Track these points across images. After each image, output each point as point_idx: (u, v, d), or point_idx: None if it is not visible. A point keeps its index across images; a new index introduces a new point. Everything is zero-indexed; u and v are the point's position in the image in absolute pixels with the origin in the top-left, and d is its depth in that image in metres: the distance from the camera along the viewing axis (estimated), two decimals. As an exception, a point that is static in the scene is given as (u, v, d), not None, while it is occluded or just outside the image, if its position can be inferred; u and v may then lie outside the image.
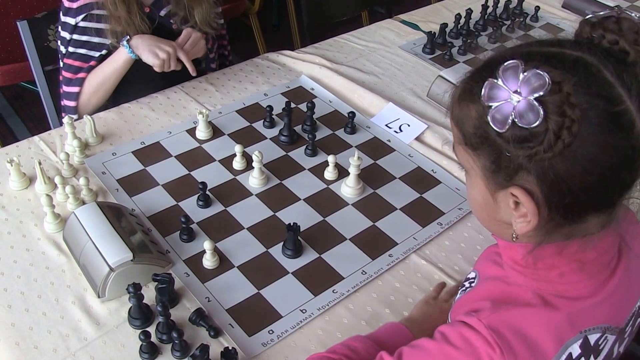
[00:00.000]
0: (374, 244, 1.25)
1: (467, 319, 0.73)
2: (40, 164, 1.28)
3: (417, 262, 1.22)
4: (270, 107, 1.53)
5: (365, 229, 1.28)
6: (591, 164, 0.63)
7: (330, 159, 1.38)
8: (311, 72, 1.77)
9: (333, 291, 1.14)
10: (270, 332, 1.07)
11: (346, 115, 1.56)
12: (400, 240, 1.26)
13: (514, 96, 0.63)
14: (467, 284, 0.87)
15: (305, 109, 1.54)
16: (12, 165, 1.27)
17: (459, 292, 0.88)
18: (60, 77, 1.64)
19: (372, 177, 1.41)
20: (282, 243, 1.22)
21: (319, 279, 1.17)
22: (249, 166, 1.40)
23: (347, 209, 1.33)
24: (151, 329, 1.04)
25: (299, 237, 1.21)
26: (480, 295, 0.81)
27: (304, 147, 1.48)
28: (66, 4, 1.53)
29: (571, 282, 0.74)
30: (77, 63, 1.58)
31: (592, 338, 0.74)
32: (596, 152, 0.63)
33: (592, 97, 0.62)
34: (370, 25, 2.11)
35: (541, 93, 0.61)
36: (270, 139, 1.51)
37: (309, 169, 1.43)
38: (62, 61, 1.61)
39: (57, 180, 1.26)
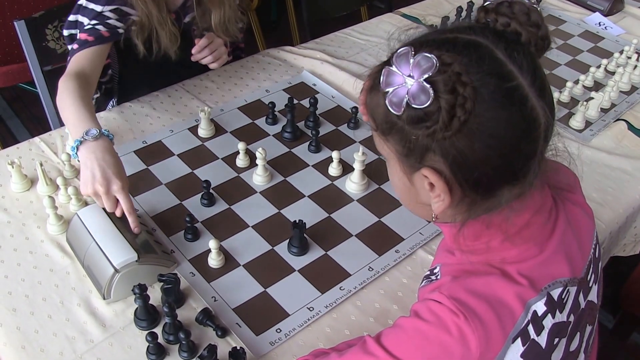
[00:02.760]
0: (380, 239, 1.24)
1: (431, 295, 0.76)
2: (41, 165, 1.27)
3: (424, 258, 1.21)
4: (273, 104, 1.52)
5: (371, 225, 1.27)
6: (490, 138, 0.67)
7: (335, 154, 1.37)
8: (313, 68, 1.76)
9: (340, 288, 1.14)
10: (278, 330, 1.06)
11: (349, 110, 1.55)
12: (406, 235, 1.25)
13: (408, 80, 0.66)
14: (433, 277, 0.88)
15: (307, 105, 1.53)
16: (13, 167, 1.26)
17: (424, 281, 0.90)
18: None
19: (376, 172, 1.40)
20: (287, 240, 1.21)
21: (325, 276, 1.16)
22: (252, 163, 1.39)
23: (352, 205, 1.32)
24: (158, 330, 1.03)
25: (305, 234, 1.20)
26: (442, 276, 0.84)
27: (308, 143, 1.47)
28: None
29: (514, 245, 0.77)
30: (90, 38, 1.43)
31: (555, 293, 0.77)
32: (493, 126, 0.66)
33: (483, 75, 0.65)
34: (371, 20, 2.10)
35: (430, 74, 0.65)
36: (273, 135, 1.50)
37: (313, 165, 1.42)
38: (72, 46, 1.47)
39: (59, 181, 1.25)
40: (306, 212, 1.29)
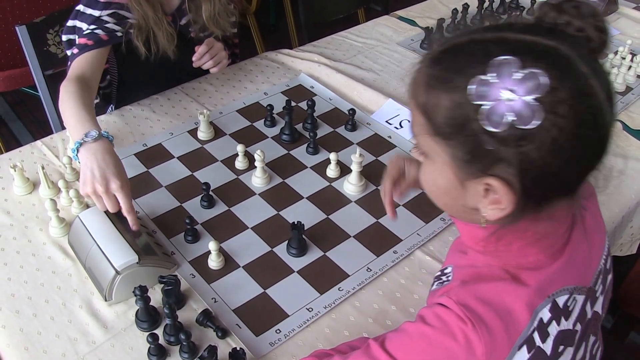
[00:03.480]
0: (378, 240, 1.25)
1: (439, 299, 0.75)
2: (43, 168, 1.28)
3: (422, 258, 1.22)
4: (271, 106, 1.54)
5: (369, 226, 1.28)
6: (571, 157, 0.65)
7: (332, 156, 1.38)
8: (310, 70, 1.78)
9: (339, 289, 1.15)
10: (278, 331, 1.07)
11: (346, 112, 1.57)
12: (404, 236, 1.26)
13: (507, 94, 0.61)
14: (444, 278, 0.88)
15: (305, 107, 1.54)
16: (15, 170, 1.28)
17: (435, 284, 0.90)
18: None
19: (374, 173, 1.41)
20: (286, 242, 1.22)
21: (324, 277, 1.17)
22: (251, 166, 1.41)
23: (350, 206, 1.33)
24: (159, 331, 1.04)
25: (304, 236, 1.21)
26: (453, 280, 0.83)
27: (306, 145, 1.48)
28: None
29: (531, 253, 0.76)
30: (90, 42, 1.44)
31: (560, 300, 0.76)
32: (575, 144, 0.64)
33: (572, 91, 0.62)
34: (368, 22, 2.11)
35: (539, 95, 0.60)
36: (271, 137, 1.52)
37: (311, 167, 1.43)
38: (72, 50, 1.48)
39: (60, 184, 1.26)
40: (305, 213, 1.30)
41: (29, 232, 1.23)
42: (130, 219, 1.15)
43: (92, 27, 1.45)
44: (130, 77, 1.68)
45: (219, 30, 1.63)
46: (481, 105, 0.63)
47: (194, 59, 1.56)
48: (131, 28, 1.48)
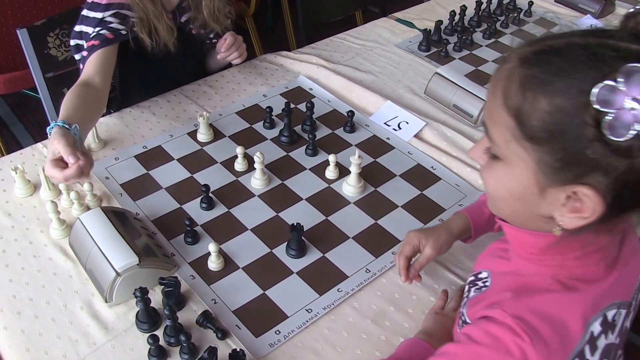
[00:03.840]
0: (377, 241, 1.26)
1: (489, 312, 0.73)
2: (44, 170, 1.29)
3: (420, 259, 1.23)
4: (270, 108, 1.55)
5: (368, 227, 1.29)
6: None
7: (331, 158, 1.39)
8: (309, 73, 1.79)
9: (338, 290, 1.16)
10: (277, 332, 1.08)
11: (345, 114, 1.58)
12: (402, 237, 1.26)
13: (630, 103, 0.59)
14: (480, 283, 0.87)
15: (304, 109, 1.55)
16: (16, 172, 1.29)
17: (472, 290, 0.88)
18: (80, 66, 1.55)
19: (372, 175, 1.42)
20: (285, 243, 1.23)
21: (323, 278, 1.18)
22: (250, 167, 1.41)
23: (349, 208, 1.34)
24: (159, 332, 1.05)
25: (303, 237, 1.22)
26: (497, 289, 0.81)
27: (305, 147, 1.49)
28: None
29: (587, 264, 0.75)
30: (97, 42, 1.47)
31: (610, 314, 0.76)
32: None
33: None
34: (366, 24, 2.12)
35: None
36: (270, 139, 1.52)
37: (310, 169, 1.44)
38: (81, 54, 1.52)
39: (61, 186, 1.27)
40: (304, 215, 1.31)
41: (30, 234, 1.23)
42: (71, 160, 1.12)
43: (97, 28, 1.48)
44: (130, 83, 1.70)
45: (218, 26, 1.66)
46: (600, 111, 0.60)
47: (222, 49, 1.63)
48: (134, 26, 1.51)
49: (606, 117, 0.60)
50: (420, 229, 1.14)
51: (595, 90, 0.60)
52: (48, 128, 1.20)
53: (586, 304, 0.73)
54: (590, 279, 0.75)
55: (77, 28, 1.53)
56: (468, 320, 0.84)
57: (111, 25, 1.49)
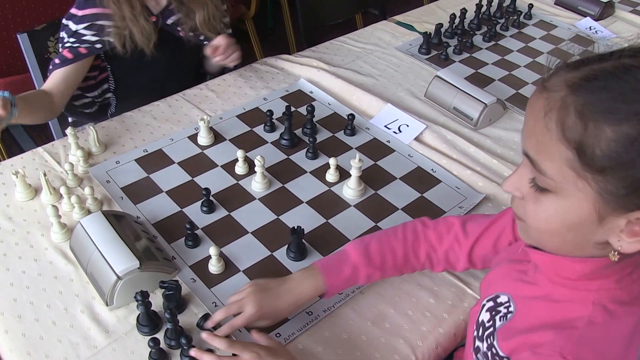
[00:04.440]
0: (377, 244, 1.26)
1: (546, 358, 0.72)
2: (45, 175, 1.29)
3: (420, 262, 1.23)
4: (271, 112, 1.55)
5: (368, 230, 1.29)
6: None
7: (332, 161, 1.39)
8: (309, 76, 1.79)
9: (338, 292, 1.16)
10: (278, 335, 1.08)
11: (345, 117, 1.58)
12: (402, 240, 1.27)
13: None
14: (502, 310, 0.85)
15: (305, 112, 1.56)
16: (17, 177, 1.29)
17: (496, 318, 0.86)
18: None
19: (373, 178, 1.42)
20: (286, 246, 1.23)
21: (323, 280, 1.18)
22: (251, 171, 1.42)
23: (349, 211, 1.34)
24: (160, 335, 1.05)
25: (303, 240, 1.22)
26: (526, 316, 0.80)
27: (305, 150, 1.49)
28: (73, 10, 1.54)
29: (626, 286, 0.74)
30: (70, 55, 1.53)
31: None
32: None
33: None
34: (366, 27, 2.12)
35: None
36: (271, 142, 1.53)
37: (310, 172, 1.44)
38: (54, 60, 1.56)
39: (62, 190, 1.27)
40: (304, 217, 1.31)
41: (31, 238, 1.24)
42: None
43: (72, 40, 1.53)
44: (126, 86, 1.71)
45: (213, 33, 1.66)
46: None
47: (217, 53, 1.61)
48: (109, 35, 1.53)
49: None
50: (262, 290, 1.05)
51: None
52: None
53: (632, 327, 0.72)
54: (628, 300, 0.74)
55: (60, 34, 1.58)
56: (502, 354, 0.82)
57: (85, 37, 1.52)
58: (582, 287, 0.75)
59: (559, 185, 0.68)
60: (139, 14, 1.53)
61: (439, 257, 1.09)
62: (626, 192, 0.64)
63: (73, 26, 1.53)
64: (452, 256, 1.09)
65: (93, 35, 1.52)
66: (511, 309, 0.83)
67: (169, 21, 1.63)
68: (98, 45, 1.54)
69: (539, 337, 0.75)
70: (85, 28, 1.52)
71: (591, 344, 0.71)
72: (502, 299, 0.85)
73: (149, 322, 1.07)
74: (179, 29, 1.65)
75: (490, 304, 0.88)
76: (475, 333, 0.90)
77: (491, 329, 0.86)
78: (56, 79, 1.53)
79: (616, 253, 0.69)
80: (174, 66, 1.74)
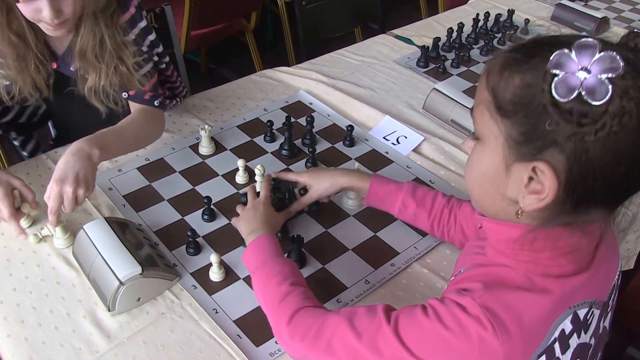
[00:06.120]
0: (376, 253, 1.28)
1: (459, 299, 0.76)
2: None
3: (419, 271, 1.24)
4: (271, 122, 1.57)
5: (367, 239, 1.31)
6: (623, 158, 0.66)
7: (332, 171, 1.41)
8: (309, 88, 1.81)
9: (337, 301, 1.17)
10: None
11: (345, 128, 1.60)
12: (401, 249, 1.29)
13: (580, 72, 0.65)
14: (453, 278, 0.89)
15: (304, 123, 1.57)
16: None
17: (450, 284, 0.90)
18: None
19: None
20: (286, 255, 1.24)
21: (323, 289, 1.19)
22: (251, 180, 1.43)
23: (348, 220, 1.36)
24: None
25: (303, 249, 1.24)
26: (470, 277, 0.83)
27: (305, 160, 1.51)
28: None
29: (560, 264, 0.77)
30: None
31: (581, 313, 0.78)
32: (631, 147, 0.66)
33: None
34: (365, 41, 2.15)
35: (613, 75, 0.63)
36: (271, 152, 1.55)
37: (310, 182, 1.46)
38: None
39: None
40: (304, 227, 1.33)
41: (34, 243, 1.24)
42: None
43: None
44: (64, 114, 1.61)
45: (101, 105, 1.40)
46: (554, 75, 0.66)
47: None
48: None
49: (556, 78, 0.66)
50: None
51: (552, 57, 0.66)
52: None
53: (554, 301, 0.75)
54: (561, 275, 0.77)
55: None
56: None
57: None
58: (519, 257, 0.78)
59: (482, 132, 0.76)
60: (29, 59, 1.31)
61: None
62: (524, 139, 0.70)
63: None
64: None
65: None
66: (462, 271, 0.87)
67: (73, 67, 1.38)
68: None
69: (468, 285, 0.80)
70: None
71: (506, 304, 0.74)
72: (461, 272, 0.89)
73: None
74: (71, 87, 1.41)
75: (452, 279, 0.92)
76: None
77: None
78: None
79: (519, 211, 0.74)
80: (87, 117, 1.50)
